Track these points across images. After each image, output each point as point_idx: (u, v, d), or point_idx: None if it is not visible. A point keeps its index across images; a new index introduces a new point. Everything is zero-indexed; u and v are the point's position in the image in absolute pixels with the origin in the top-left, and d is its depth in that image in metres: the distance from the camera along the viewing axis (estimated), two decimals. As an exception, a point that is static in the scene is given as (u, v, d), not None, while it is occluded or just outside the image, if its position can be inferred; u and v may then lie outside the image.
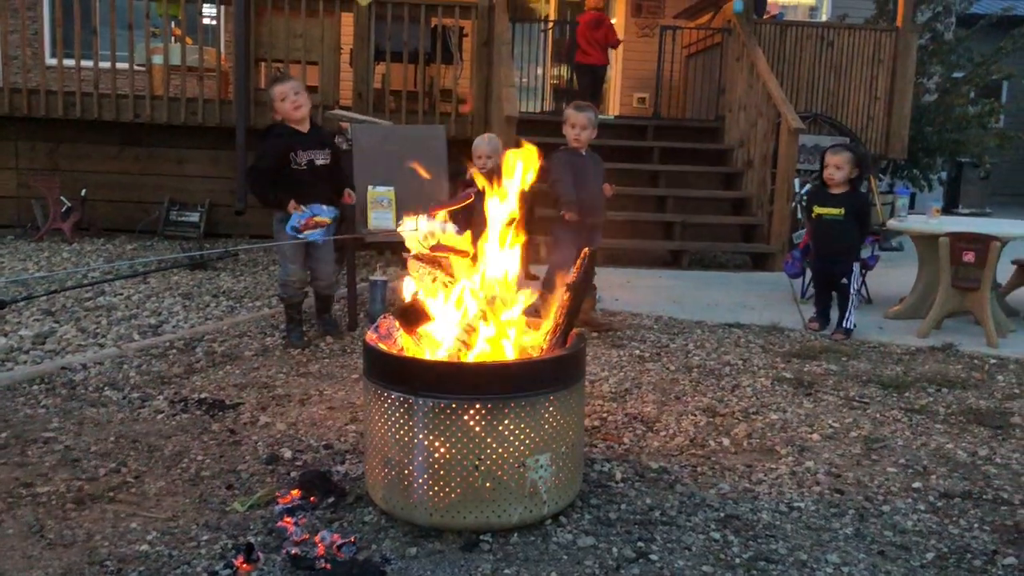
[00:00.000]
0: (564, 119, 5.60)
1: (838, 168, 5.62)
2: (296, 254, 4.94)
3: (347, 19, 8.90)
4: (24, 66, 8.78)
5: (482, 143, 5.89)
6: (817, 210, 5.74)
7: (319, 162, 4.91)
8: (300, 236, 4.77)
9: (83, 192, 8.78)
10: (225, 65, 9.37)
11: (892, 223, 6.59)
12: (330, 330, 5.22)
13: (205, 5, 9.10)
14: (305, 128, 4.92)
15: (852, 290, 5.66)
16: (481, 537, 2.65)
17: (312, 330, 5.28)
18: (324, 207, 4.84)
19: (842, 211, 5.62)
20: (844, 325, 5.62)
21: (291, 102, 4.81)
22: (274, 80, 5.29)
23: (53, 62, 9.13)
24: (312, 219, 4.79)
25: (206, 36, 9.17)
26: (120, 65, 8.72)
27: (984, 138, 11.51)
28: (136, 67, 8.87)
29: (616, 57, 12.85)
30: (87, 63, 8.61)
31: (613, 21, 12.85)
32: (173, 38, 9.36)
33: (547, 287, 5.60)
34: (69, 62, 8.71)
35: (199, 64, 8.88)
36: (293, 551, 2.56)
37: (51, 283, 6.49)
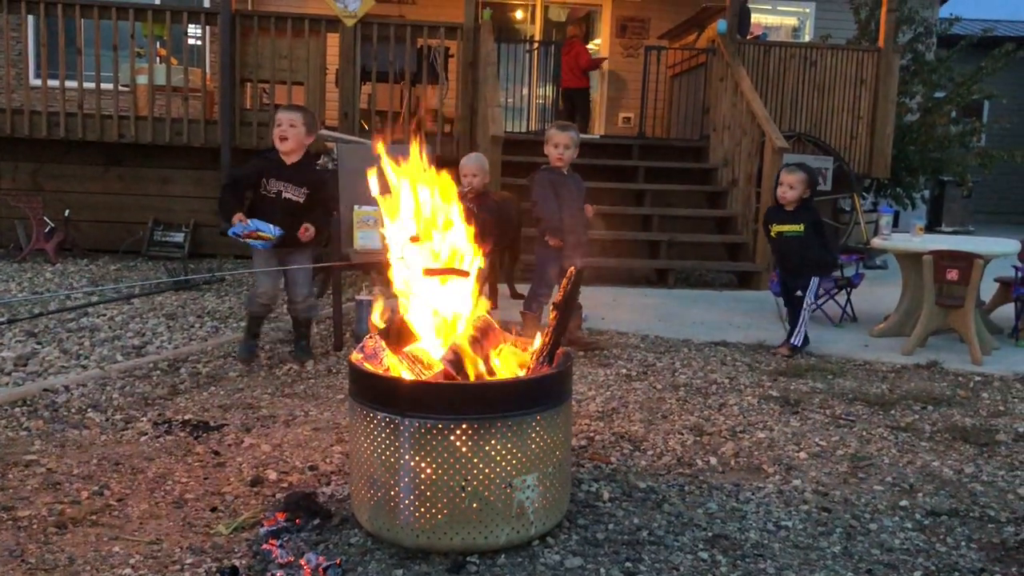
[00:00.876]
0: (546, 139, 5.60)
1: (791, 187, 5.64)
2: (268, 271, 4.88)
3: (333, 40, 8.93)
4: (8, 86, 8.75)
5: (469, 161, 5.91)
6: (777, 228, 5.77)
7: (287, 196, 4.81)
8: (241, 240, 4.73)
9: (66, 212, 8.74)
10: (210, 85, 9.37)
11: (876, 241, 6.63)
12: (301, 357, 5.07)
13: (190, 25, 9.10)
14: (291, 160, 4.84)
15: (806, 304, 5.68)
16: (468, 559, 2.63)
17: (288, 352, 5.20)
18: (270, 225, 4.72)
19: (802, 227, 5.66)
20: (791, 341, 5.64)
21: (278, 132, 4.79)
22: (279, 107, 5.25)
23: (37, 82, 9.11)
24: (254, 232, 4.71)
25: (191, 56, 9.18)
26: (105, 85, 8.70)
27: (966, 157, 11.62)
28: (121, 87, 8.86)
29: (601, 77, 12.95)
30: (71, 83, 8.59)
31: (597, 42, 13.01)
32: (158, 58, 9.35)
33: (530, 306, 5.61)
34: (53, 82, 8.69)
35: (184, 84, 8.88)
36: (278, 574, 2.53)
37: (34, 305, 6.44)
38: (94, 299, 6.63)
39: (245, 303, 5.20)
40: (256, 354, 5.05)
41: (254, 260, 4.96)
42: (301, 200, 4.84)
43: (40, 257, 8.46)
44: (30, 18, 9.44)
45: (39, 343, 5.32)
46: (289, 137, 4.78)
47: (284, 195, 4.82)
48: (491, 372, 2.89)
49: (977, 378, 5.22)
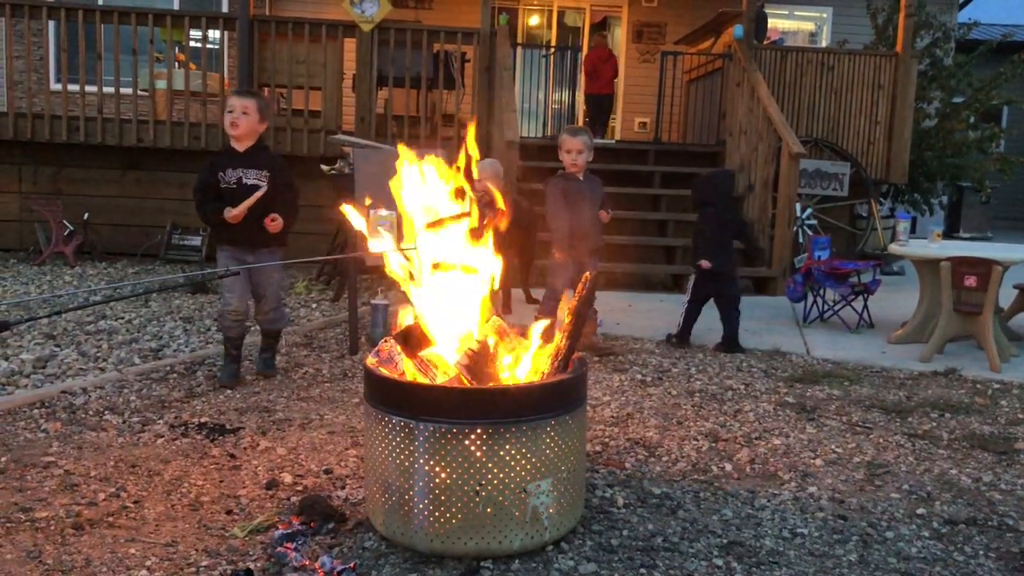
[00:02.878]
0: (559, 145, 5.58)
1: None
2: (235, 283, 4.66)
3: (350, 45, 8.97)
4: (29, 91, 8.83)
5: (483, 167, 5.91)
6: None
7: (248, 182, 4.57)
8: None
9: (85, 216, 8.80)
10: (228, 90, 9.43)
11: (893, 248, 6.60)
12: (262, 370, 4.85)
13: (209, 30, 9.16)
14: (243, 147, 4.64)
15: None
16: (482, 563, 2.63)
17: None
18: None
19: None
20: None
21: (230, 118, 4.60)
22: (233, 92, 4.95)
23: (58, 87, 9.19)
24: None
25: (210, 61, 9.24)
26: (124, 90, 8.78)
27: (984, 163, 11.54)
28: (140, 92, 8.92)
29: (617, 82, 12.95)
30: (91, 88, 8.67)
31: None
32: (177, 63, 9.42)
33: (545, 311, 5.61)
34: (73, 87, 8.77)
35: (202, 89, 8.94)
36: (293, 577, 2.54)
37: (53, 305, 6.49)
38: (97, 298, 6.68)
39: (216, 322, 5.00)
40: (240, 377, 4.76)
41: (218, 264, 4.76)
42: (264, 184, 4.58)
43: (59, 260, 8.53)
44: (51, 23, 9.53)
45: (57, 345, 5.36)
46: (240, 124, 4.57)
47: (245, 181, 4.58)
48: (506, 377, 2.90)
49: (996, 385, 5.18)
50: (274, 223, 4.53)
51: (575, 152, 5.45)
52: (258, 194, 4.52)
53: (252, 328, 5.03)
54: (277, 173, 4.66)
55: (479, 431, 2.59)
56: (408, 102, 9.18)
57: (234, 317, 4.69)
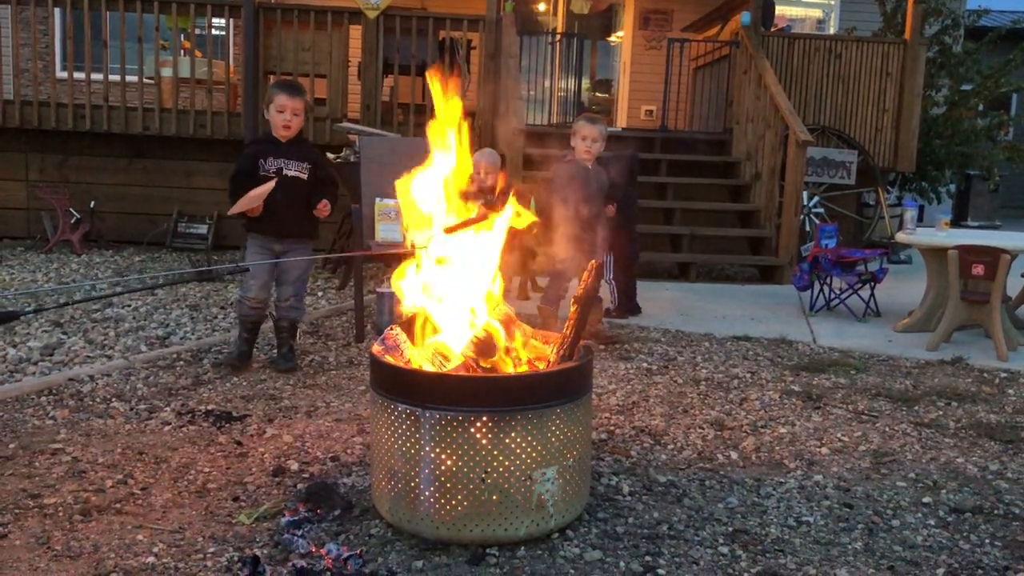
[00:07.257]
0: (574, 131, 5.56)
1: None
2: (258, 271, 4.63)
3: (355, 32, 8.94)
4: (35, 79, 8.83)
5: (484, 158, 5.88)
6: None
7: (289, 173, 4.56)
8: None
9: (92, 204, 8.81)
10: (234, 78, 9.42)
11: (901, 236, 6.57)
12: (279, 365, 4.73)
13: (214, 18, 9.14)
14: (283, 138, 4.61)
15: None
16: (488, 551, 2.64)
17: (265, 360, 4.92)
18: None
19: None
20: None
21: (281, 120, 4.53)
22: (285, 87, 4.82)
23: (64, 75, 9.18)
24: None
25: (215, 49, 9.22)
26: (130, 78, 8.77)
27: (993, 151, 11.48)
28: (145, 80, 8.91)
29: (623, 70, 12.91)
30: (97, 76, 8.66)
31: (621, 34, 13.00)
32: (183, 51, 9.41)
33: (548, 300, 5.60)
34: (79, 75, 8.77)
35: (208, 77, 8.92)
36: (299, 564, 2.55)
37: (60, 295, 6.51)
38: (119, 291, 6.69)
39: (235, 309, 5.02)
40: (248, 361, 4.75)
41: (247, 255, 4.73)
42: (305, 176, 4.60)
43: (66, 248, 8.54)
44: (56, 11, 9.51)
45: (65, 333, 5.38)
46: (293, 126, 4.57)
47: (286, 172, 4.55)
48: (512, 365, 2.90)
49: (1003, 374, 5.16)
50: (325, 208, 4.58)
51: (590, 139, 5.43)
52: (270, 185, 4.46)
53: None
54: (319, 167, 4.71)
55: (485, 419, 2.60)
56: (414, 90, 9.15)
57: (252, 305, 4.68)
